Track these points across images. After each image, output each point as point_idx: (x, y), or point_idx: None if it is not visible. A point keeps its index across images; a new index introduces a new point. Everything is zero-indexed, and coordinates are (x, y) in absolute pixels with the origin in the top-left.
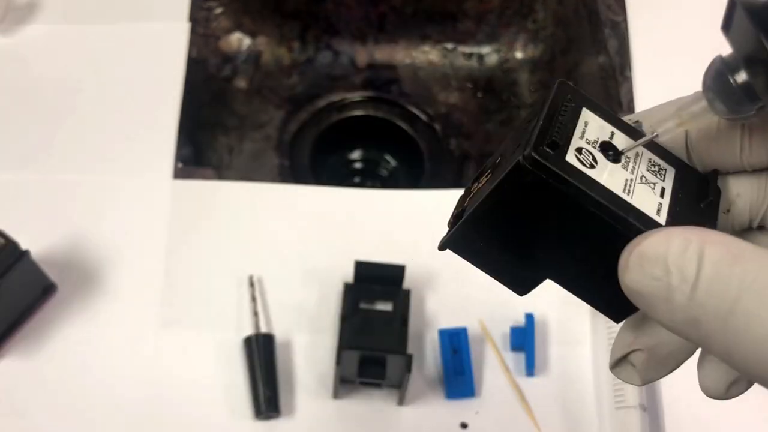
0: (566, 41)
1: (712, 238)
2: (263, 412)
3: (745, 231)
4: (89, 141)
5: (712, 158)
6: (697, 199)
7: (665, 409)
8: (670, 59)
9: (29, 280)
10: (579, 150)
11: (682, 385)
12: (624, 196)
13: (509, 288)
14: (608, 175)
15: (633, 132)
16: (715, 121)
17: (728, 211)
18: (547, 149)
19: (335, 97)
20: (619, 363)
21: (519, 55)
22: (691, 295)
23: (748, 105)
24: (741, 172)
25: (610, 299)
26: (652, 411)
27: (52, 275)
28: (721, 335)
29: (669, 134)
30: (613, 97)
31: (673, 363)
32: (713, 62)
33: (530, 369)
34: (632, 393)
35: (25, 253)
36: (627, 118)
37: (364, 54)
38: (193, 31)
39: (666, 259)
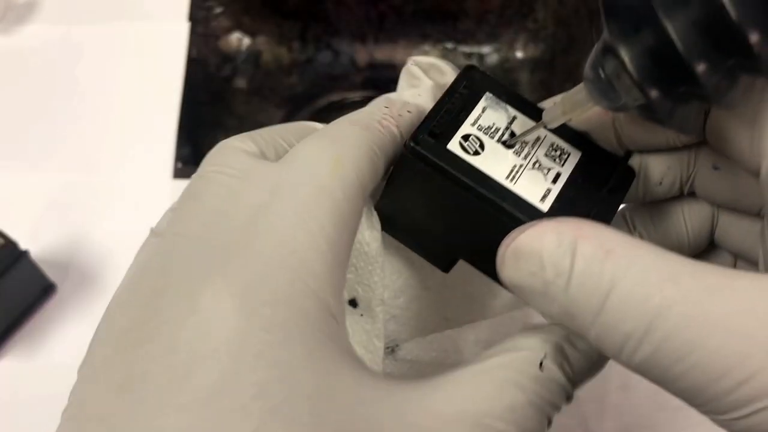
0: (567, 41)
1: (586, 232)
2: None
3: (676, 198)
4: (89, 141)
5: (641, 138)
6: (601, 183)
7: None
8: None
9: (29, 280)
10: (465, 137)
11: None
12: (505, 182)
13: (432, 264)
14: (492, 162)
15: (539, 117)
16: (599, 110)
17: (661, 183)
18: (428, 137)
19: (335, 97)
20: None
21: (519, 54)
22: (565, 290)
23: (619, 97)
24: (673, 147)
25: None
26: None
27: (52, 275)
28: (593, 330)
29: (555, 121)
30: None
31: None
32: (593, 50)
33: None
34: None
35: (24, 253)
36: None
37: (364, 53)
38: (193, 31)
39: (541, 255)
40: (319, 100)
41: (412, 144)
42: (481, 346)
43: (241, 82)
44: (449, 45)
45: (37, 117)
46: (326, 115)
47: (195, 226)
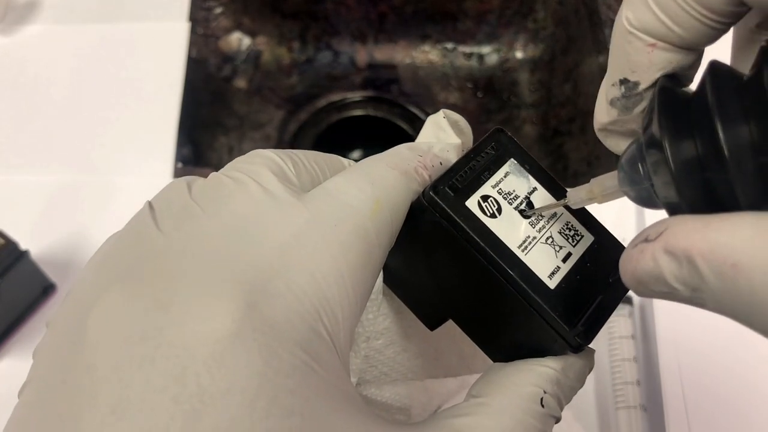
0: (566, 41)
1: (698, 246)
2: None
3: None
4: (89, 141)
5: None
6: (608, 271)
7: (666, 410)
8: None
9: (29, 280)
10: (485, 197)
11: (683, 386)
12: (516, 251)
13: (420, 320)
14: (506, 228)
15: (559, 193)
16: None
17: None
18: (448, 190)
19: (335, 97)
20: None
21: (519, 55)
22: (711, 299)
23: (649, 191)
24: None
25: (498, 345)
26: (652, 411)
27: (52, 275)
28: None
29: (579, 204)
30: None
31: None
32: (630, 144)
33: None
34: (633, 393)
35: (25, 253)
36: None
37: (364, 54)
38: (193, 31)
39: (665, 279)
40: (319, 100)
41: (430, 193)
42: (433, 405)
43: (241, 82)
44: (449, 45)
45: (37, 117)
46: (326, 115)
47: (216, 230)
